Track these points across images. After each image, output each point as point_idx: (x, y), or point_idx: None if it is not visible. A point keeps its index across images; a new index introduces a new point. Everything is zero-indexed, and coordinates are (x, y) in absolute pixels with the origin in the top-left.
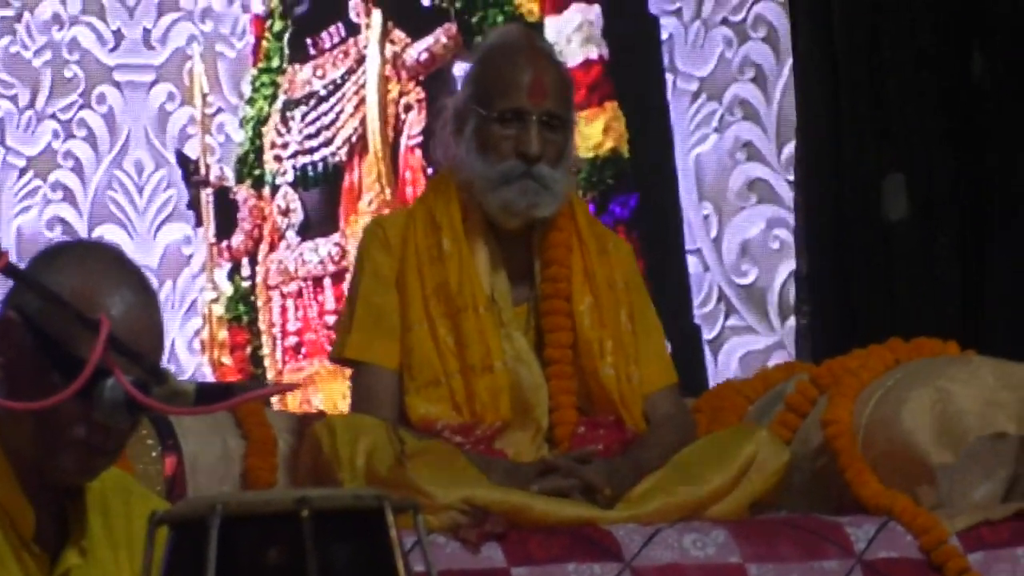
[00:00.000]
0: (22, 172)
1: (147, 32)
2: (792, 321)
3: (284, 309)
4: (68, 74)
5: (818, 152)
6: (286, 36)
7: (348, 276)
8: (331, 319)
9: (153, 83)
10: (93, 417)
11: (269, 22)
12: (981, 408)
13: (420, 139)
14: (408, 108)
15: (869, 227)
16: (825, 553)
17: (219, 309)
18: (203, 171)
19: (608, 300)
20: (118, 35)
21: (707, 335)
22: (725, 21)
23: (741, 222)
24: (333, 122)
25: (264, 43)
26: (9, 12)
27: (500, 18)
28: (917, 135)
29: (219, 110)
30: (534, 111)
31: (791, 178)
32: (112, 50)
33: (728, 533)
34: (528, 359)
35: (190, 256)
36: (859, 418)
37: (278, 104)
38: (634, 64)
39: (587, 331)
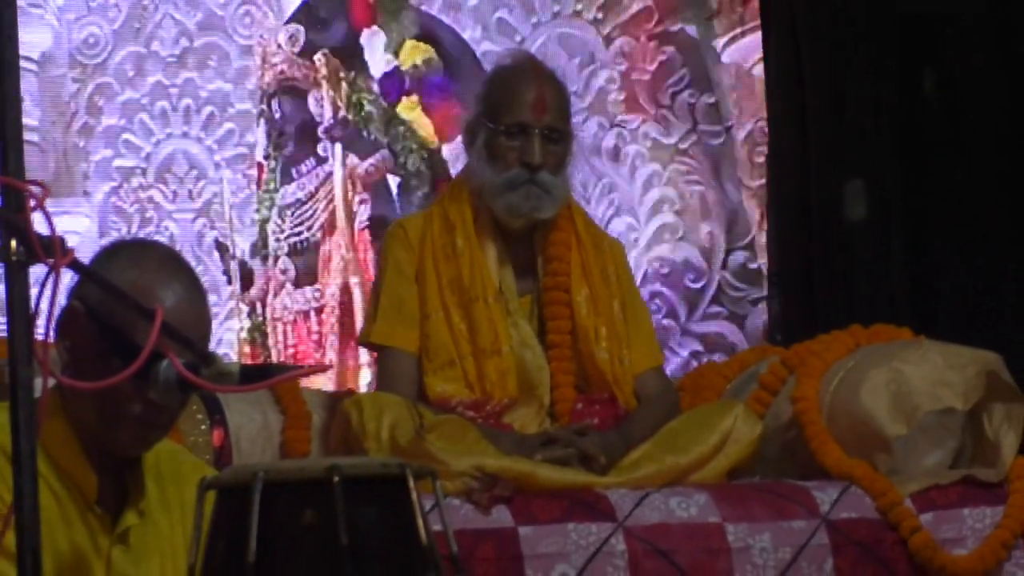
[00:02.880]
0: None
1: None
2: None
3: (285, 333)
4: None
5: (787, 161)
6: (279, 169)
7: (326, 311)
8: (315, 338)
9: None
10: (148, 396)
11: (269, 163)
12: (931, 386)
13: (368, 223)
14: (361, 202)
15: (832, 227)
16: (794, 514)
17: (244, 335)
18: (232, 252)
19: (602, 292)
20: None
21: None
22: None
23: None
24: (312, 215)
25: (264, 175)
26: None
27: (414, 146)
28: (874, 145)
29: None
30: (536, 125)
31: None
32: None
33: (709, 496)
34: (532, 343)
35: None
36: (824, 395)
37: (275, 209)
38: None
39: (584, 319)
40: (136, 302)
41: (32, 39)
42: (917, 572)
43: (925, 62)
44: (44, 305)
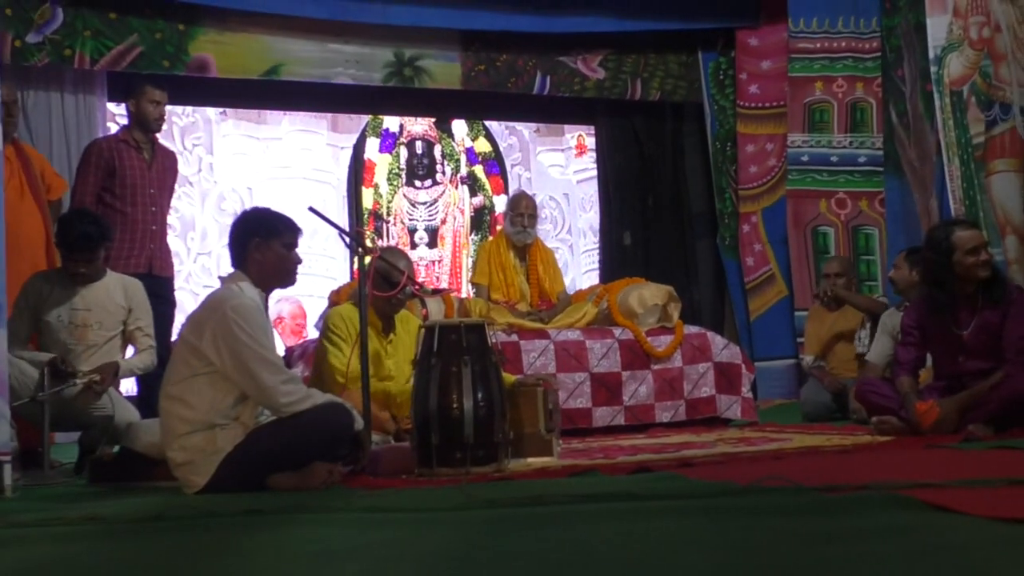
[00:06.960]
0: None
1: None
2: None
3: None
4: None
5: (610, 225)
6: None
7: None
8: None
9: None
10: (399, 297)
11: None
12: (651, 297)
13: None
14: (460, 211)
15: (621, 245)
16: (607, 338)
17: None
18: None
19: (547, 265)
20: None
21: None
22: None
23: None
24: (435, 215)
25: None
26: None
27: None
28: (638, 222)
29: None
30: (525, 213)
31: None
32: None
33: (580, 331)
34: (524, 282)
35: None
36: (618, 300)
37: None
38: None
39: (541, 274)
40: (396, 266)
41: None
42: (648, 356)
43: (648, 189)
44: (369, 270)
